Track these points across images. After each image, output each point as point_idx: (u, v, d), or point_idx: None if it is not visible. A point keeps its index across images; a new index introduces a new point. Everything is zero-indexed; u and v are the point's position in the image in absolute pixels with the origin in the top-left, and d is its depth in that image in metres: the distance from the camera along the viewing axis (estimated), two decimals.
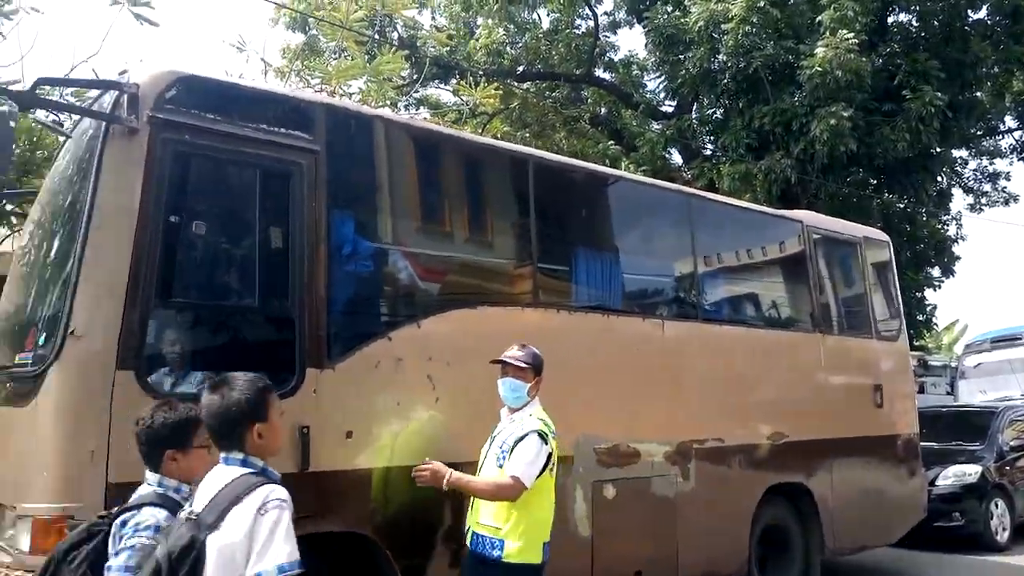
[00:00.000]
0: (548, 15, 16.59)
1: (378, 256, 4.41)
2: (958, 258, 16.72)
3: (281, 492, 2.23)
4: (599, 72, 16.84)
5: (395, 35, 15.01)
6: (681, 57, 13.42)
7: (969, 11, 13.49)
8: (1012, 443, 9.80)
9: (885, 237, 8.04)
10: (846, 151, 11.61)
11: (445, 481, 3.64)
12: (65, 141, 4.56)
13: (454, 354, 4.35)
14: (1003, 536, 9.07)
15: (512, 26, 16.06)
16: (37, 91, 3.60)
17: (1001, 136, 18.11)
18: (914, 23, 13.89)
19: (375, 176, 4.53)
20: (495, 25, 16.09)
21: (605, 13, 16.78)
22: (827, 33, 11.40)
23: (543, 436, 3.59)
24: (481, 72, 14.24)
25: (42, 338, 3.67)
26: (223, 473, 2.32)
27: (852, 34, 11.18)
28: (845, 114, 11.31)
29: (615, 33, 17.36)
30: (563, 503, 4.36)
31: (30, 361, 3.67)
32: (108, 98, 3.83)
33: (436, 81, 16.39)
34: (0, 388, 4.00)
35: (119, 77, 3.78)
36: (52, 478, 3.32)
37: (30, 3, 10.73)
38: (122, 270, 3.46)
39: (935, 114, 11.62)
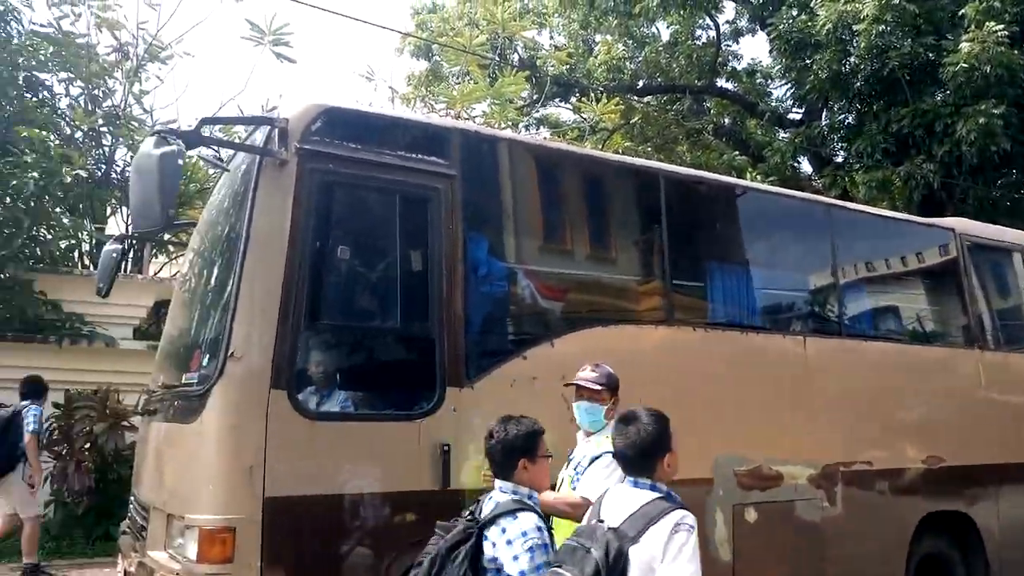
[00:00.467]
0: (667, 28, 16.44)
1: (512, 276, 4.46)
2: None
3: (691, 518, 2.56)
4: (722, 82, 16.49)
5: (515, 57, 15.26)
6: (808, 62, 12.94)
7: None
8: None
9: None
10: (998, 151, 10.82)
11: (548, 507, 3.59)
12: (221, 175, 4.89)
13: None
14: None
15: (631, 41, 16.01)
16: (200, 130, 3.86)
17: None
18: None
19: (508, 197, 4.60)
20: (614, 41, 16.09)
21: (727, 22, 16.48)
22: (972, 26, 10.70)
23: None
24: (601, 88, 14.24)
25: (205, 359, 3.93)
26: (633, 494, 2.67)
27: (1001, 25, 10.43)
28: (996, 111, 10.55)
29: (737, 42, 17.00)
30: (701, 526, 4.20)
31: (195, 381, 3.93)
32: (260, 133, 4.07)
33: (556, 99, 16.53)
34: (169, 405, 4.32)
35: (269, 113, 4.02)
36: (215, 491, 3.52)
37: (183, 48, 11.64)
38: (275, 294, 3.66)
39: None
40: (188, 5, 12.30)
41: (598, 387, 3.61)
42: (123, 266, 9.72)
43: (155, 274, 11.11)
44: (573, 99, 15.54)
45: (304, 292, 3.72)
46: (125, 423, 8.20)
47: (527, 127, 16.50)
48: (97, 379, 8.99)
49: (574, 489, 3.53)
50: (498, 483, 2.91)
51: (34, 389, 7.23)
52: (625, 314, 4.81)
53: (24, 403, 7.07)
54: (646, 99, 16.45)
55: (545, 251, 4.80)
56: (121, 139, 11.06)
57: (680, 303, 4.98)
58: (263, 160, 3.83)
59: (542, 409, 4.17)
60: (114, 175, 11.22)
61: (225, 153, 5.06)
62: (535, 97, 15.26)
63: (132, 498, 4.90)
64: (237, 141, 4.95)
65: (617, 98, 12.78)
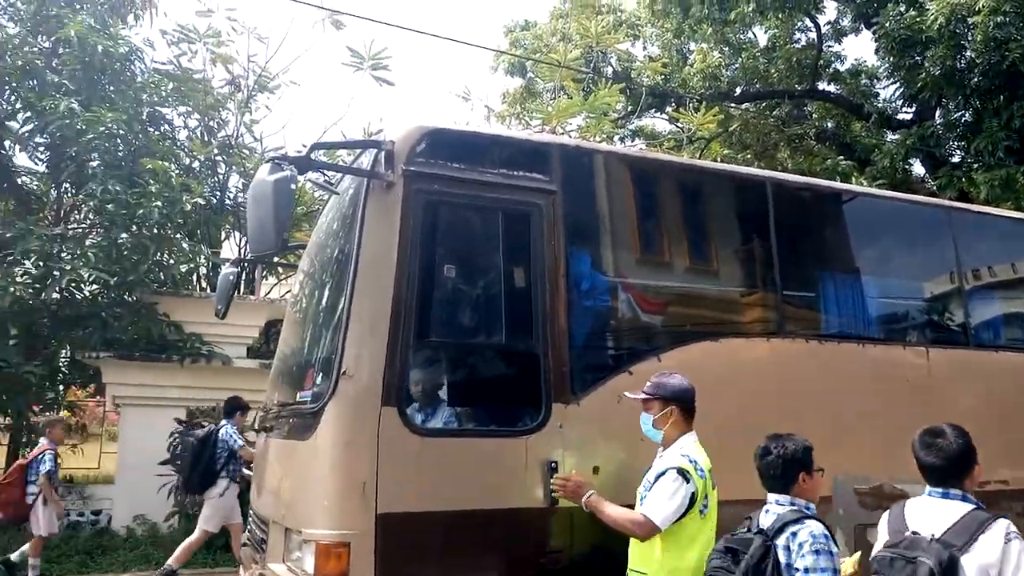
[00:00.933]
0: (765, 32, 15.99)
1: (616, 290, 4.40)
2: None
3: (1013, 527, 2.70)
4: (824, 85, 15.90)
5: (609, 69, 15.20)
6: (918, 59, 12.31)
7: None
8: None
9: None
10: None
11: (584, 499, 3.64)
12: (330, 198, 5.06)
13: (697, 388, 4.20)
14: None
15: (727, 48, 15.67)
16: (311, 155, 4.00)
17: None
18: None
19: (609, 210, 4.55)
20: (709, 48, 15.79)
21: (828, 23, 15.85)
22: None
23: (684, 473, 3.38)
24: (698, 97, 14.00)
25: (318, 378, 4.06)
26: (946, 506, 2.82)
27: None
28: None
29: (839, 42, 16.34)
30: None
31: (309, 399, 4.06)
32: (367, 156, 4.18)
33: (652, 111, 16.36)
34: (284, 422, 4.47)
35: (375, 136, 4.13)
36: (330, 507, 3.61)
37: (289, 77, 12.15)
38: (384, 314, 3.72)
39: None
40: (293, 36, 12.87)
41: (646, 396, 3.64)
42: (238, 288, 10.20)
43: (265, 295, 11.60)
44: (669, 109, 15.33)
45: (412, 311, 3.78)
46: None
47: (622, 139, 16.37)
48: (215, 396, 9.43)
49: (641, 505, 3.49)
50: (773, 496, 3.10)
51: (228, 408, 7.71)
52: (733, 327, 4.66)
53: (223, 422, 7.54)
54: (744, 106, 16.05)
55: (648, 264, 4.73)
56: (234, 167, 11.66)
57: (791, 314, 4.80)
58: (371, 183, 3.92)
59: None
60: (228, 201, 11.82)
61: (333, 176, 5.22)
62: (630, 109, 15.14)
63: (252, 511, 5.10)
64: (342, 164, 5.11)
65: (715, 106, 12.52)
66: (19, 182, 11.37)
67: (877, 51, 13.85)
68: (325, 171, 4.85)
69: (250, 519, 5.09)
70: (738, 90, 15.90)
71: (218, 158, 11.59)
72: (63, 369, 10.80)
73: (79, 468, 11.22)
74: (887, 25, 12.44)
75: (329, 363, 3.83)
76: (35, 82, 10.52)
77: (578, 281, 4.17)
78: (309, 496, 3.79)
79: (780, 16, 14.62)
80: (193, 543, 7.33)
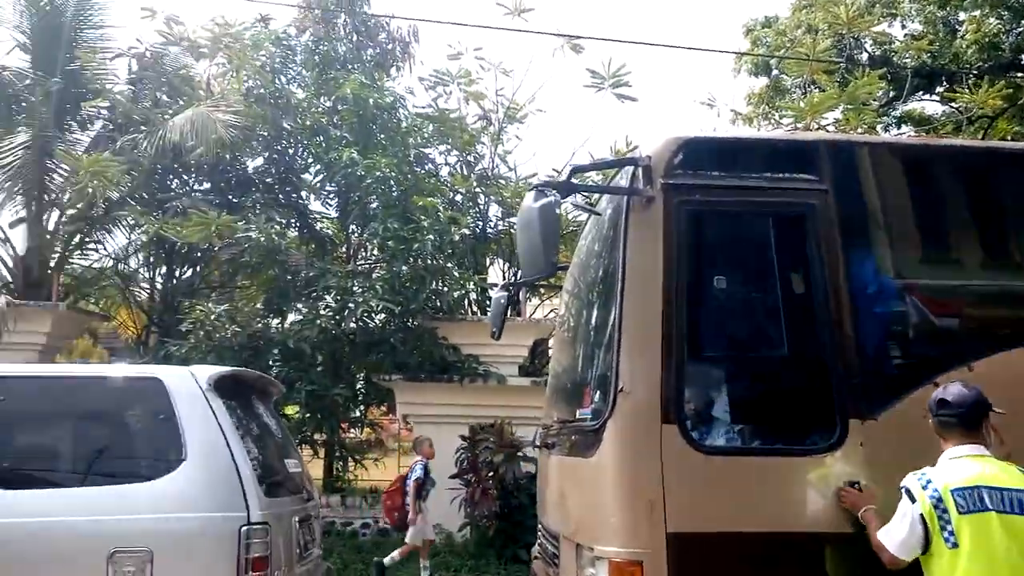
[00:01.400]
0: None
1: (907, 293, 3.98)
2: None
3: None
4: None
5: (864, 56, 13.99)
6: None
7: None
8: None
9: None
10: None
11: (861, 512, 3.38)
12: (589, 218, 5.17)
13: (1019, 403, 3.62)
14: None
15: (1006, 11, 13.68)
16: (571, 179, 4.12)
17: None
18: None
19: (889, 206, 4.13)
20: (983, 16, 13.91)
21: None
22: None
23: (908, 492, 3.00)
24: (975, 72, 12.39)
25: (596, 395, 4.13)
26: None
27: None
28: None
29: None
30: None
31: (589, 416, 4.14)
32: (624, 174, 4.20)
33: (919, 93, 14.77)
34: (566, 440, 4.62)
35: (631, 153, 4.14)
36: (618, 525, 3.64)
37: (535, 106, 12.68)
38: (655, 329, 3.68)
39: None
40: (535, 66, 13.40)
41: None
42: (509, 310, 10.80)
43: (530, 316, 12.12)
44: (940, 89, 13.74)
45: (685, 325, 3.71)
46: (520, 454, 8.98)
47: (887, 128, 14.95)
48: (492, 413, 10.02)
49: None
50: None
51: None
52: None
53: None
54: None
55: (942, 262, 4.21)
56: (492, 197, 12.37)
57: None
58: (631, 200, 3.94)
59: None
60: (489, 230, 12.56)
61: (591, 196, 5.33)
62: (892, 95, 13.76)
63: (540, 526, 5.31)
64: (601, 185, 5.20)
65: (998, 79, 11.01)
66: (317, 227, 13.00)
67: None
68: (585, 193, 4.95)
69: (539, 532, 5.30)
70: None
71: (477, 190, 12.34)
72: (361, 391, 12.10)
73: (382, 480, 12.46)
74: None
75: (605, 381, 3.88)
76: (321, 138, 12.01)
77: (863, 285, 3.84)
78: (597, 513, 3.85)
79: None
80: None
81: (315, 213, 13.22)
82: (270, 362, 9.65)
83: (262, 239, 10.06)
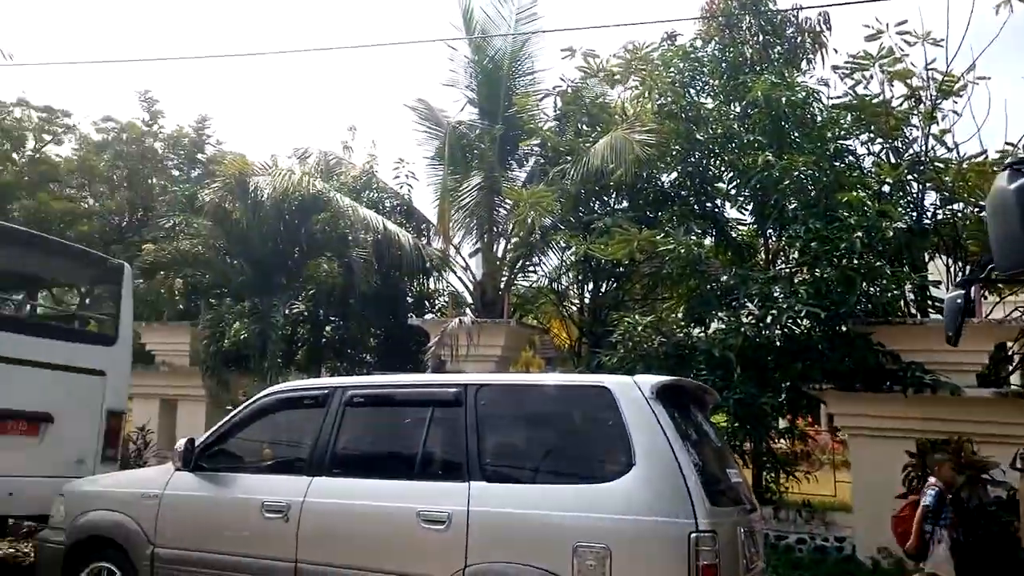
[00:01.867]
0: None
1: None
2: None
3: None
4: None
5: None
6: None
7: None
8: None
9: None
10: None
11: None
12: None
13: None
14: None
15: None
16: None
17: None
18: None
19: None
20: None
21: None
22: None
23: None
24: None
25: None
26: None
27: None
28: None
29: None
30: None
31: None
32: None
33: None
34: None
35: None
36: None
37: (975, 75, 11.04)
38: None
39: None
40: (973, 29, 11.59)
41: None
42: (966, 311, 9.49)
43: (987, 315, 10.47)
44: None
45: None
46: (986, 476, 7.79)
47: None
48: (944, 428, 8.89)
49: None
50: None
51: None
52: None
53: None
54: None
55: None
56: (928, 184, 11.01)
57: None
58: None
59: None
60: (926, 221, 11.19)
61: None
62: None
63: None
64: None
65: None
66: (732, 235, 12.92)
67: None
68: None
69: None
70: None
71: (908, 177, 11.10)
72: (785, 400, 11.62)
73: (816, 494, 11.84)
74: None
75: None
76: (734, 144, 11.91)
77: None
78: None
79: None
80: None
81: (731, 220, 13.16)
82: (696, 371, 9.80)
83: (682, 250, 10.30)
